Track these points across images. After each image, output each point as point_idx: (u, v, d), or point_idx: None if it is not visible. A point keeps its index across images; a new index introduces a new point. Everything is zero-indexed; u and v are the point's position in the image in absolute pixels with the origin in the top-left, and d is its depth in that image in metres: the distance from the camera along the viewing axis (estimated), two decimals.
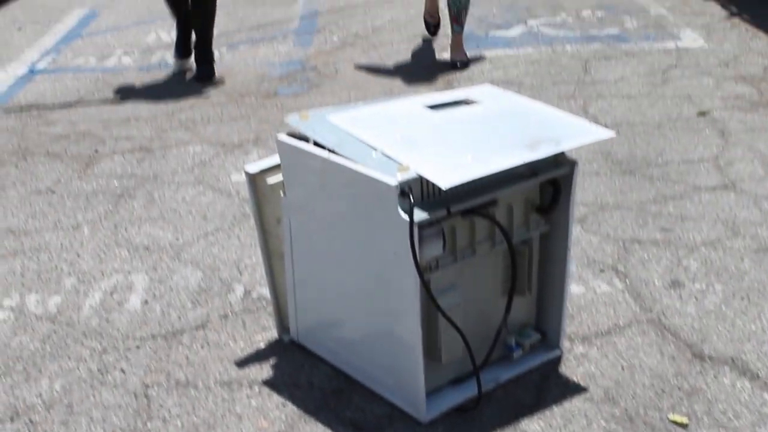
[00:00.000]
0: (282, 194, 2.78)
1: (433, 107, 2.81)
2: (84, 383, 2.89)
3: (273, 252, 2.99)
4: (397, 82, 5.79)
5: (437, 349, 2.62)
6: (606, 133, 2.68)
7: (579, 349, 2.98)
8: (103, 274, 3.58)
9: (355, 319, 2.77)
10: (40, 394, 2.85)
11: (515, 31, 6.89)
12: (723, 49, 6.28)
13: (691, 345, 2.98)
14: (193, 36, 6.08)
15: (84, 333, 3.18)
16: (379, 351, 2.69)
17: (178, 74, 6.08)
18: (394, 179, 2.38)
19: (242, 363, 2.96)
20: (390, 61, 6.25)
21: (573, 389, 2.77)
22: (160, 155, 4.76)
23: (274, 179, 2.84)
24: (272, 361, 2.97)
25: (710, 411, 2.66)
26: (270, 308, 3.16)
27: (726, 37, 6.57)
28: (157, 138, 5.00)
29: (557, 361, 2.91)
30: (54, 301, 3.40)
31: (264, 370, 2.92)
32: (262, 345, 3.06)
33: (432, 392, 2.68)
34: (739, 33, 6.64)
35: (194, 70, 6.06)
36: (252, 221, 3.19)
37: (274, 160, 2.86)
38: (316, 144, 2.65)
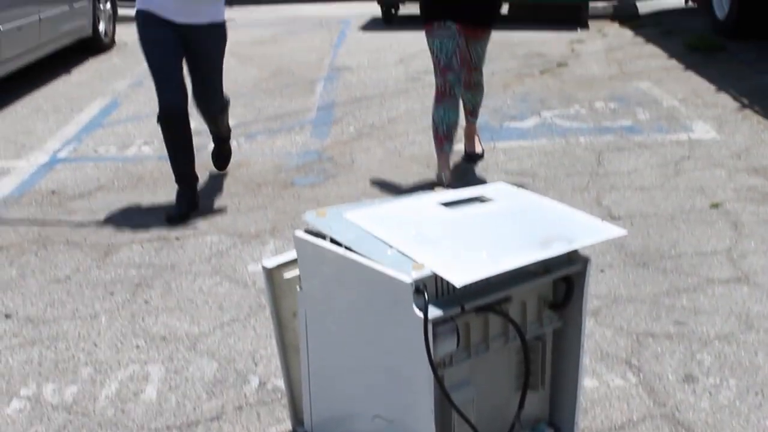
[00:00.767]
0: (298, 288, 2.82)
1: (448, 204, 2.87)
2: None
3: (288, 344, 3.02)
4: (412, 173, 5.87)
5: None
6: (618, 231, 2.73)
7: None
8: (119, 364, 3.62)
9: (369, 412, 2.79)
10: None
11: (529, 123, 6.99)
12: (735, 140, 6.35)
13: None
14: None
15: (99, 424, 3.21)
16: None
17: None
18: (408, 277, 2.42)
19: None
20: (406, 152, 6.35)
21: None
22: (177, 245, 4.82)
23: (290, 274, 2.88)
24: None
25: None
26: (284, 400, 3.18)
27: (738, 128, 6.64)
28: (175, 227, 5.07)
29: None
30: (70, 391, 3.43)
31: None
32: None
33: None
34: (751, 125, 6.72)
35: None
36: (268, 312, 3.23)
37: (291, 254, 2.90)
38: (332, 241, 2.70)
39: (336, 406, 2.91)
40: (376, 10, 12.21)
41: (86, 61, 10.37)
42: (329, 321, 2.77)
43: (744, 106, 7.25)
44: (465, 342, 2.59)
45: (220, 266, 4.53)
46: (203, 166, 6.09)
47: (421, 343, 2.41)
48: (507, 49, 9.89)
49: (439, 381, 2.51)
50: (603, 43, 10.30)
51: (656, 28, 10.96)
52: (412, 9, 11.97)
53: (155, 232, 5.00)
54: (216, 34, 5.31)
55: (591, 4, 12.01)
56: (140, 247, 4.82)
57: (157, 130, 5.29)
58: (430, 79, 8.42)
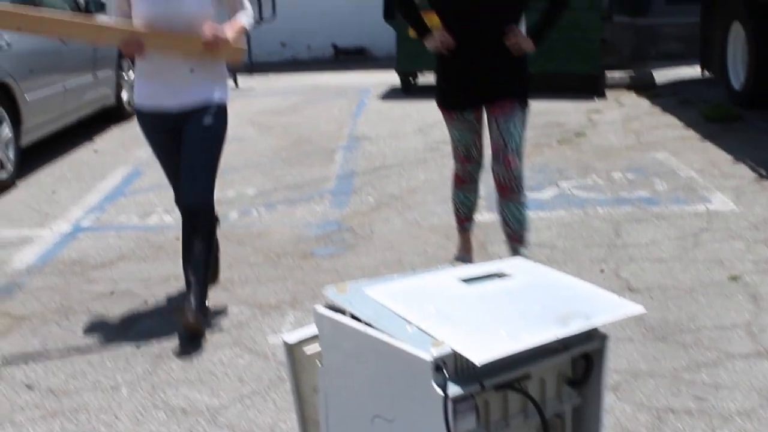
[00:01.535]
0: (319, 364, 2.85)
1: (467, 280, 2.90)
2: None
3: (308, 419, 3.04)
4: (431, 244, 5.90)
5: None
6: (636, 309, 2.75)
7: None
8: None
9: None
10: None
11: (547, 194, 7.03)
12: (753, 212, 6.37)
13: None
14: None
15: None
16: None
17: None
18: (428, 354, 2.45)
19: None
20: (425, 222, 6.39)
21: None
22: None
23: (311, 349, 2.91)
24: None
25: None
26: None
27: (756, 200, 6.66)
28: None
29: None
30: None
31: None
32: None
33: None
34: None
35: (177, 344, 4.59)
36: (288, 385, 3.24)
37: (311, 329, 2.93)
38: (352, 316, 2.73)
39: None
40: (395, 80, 12.36)
41: (109, 129, 10.52)
42: (349, 396, 2.79)
43: (762, 176, 7.28)
44: (484, 419, 2.60)
45: (240, 337, 4.56)
46: (224, 236, 6.15)
47: (441, 420, 2.43)
48: None
49: None
50: (620, 113, 10.38)
51: (673, 98, 11.04)
52: (430, 78, 12.11)
53: (176, 302, 5.04)
54: (212, 113, 4.71)
55: (608, 74, 12.13)
56: (161, 317, 4.86)
57: None
58: (449, 149, 8.51)
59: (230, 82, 12.91)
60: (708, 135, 8.85)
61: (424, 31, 4.93)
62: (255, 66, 14.49)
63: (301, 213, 6.77)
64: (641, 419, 3.63)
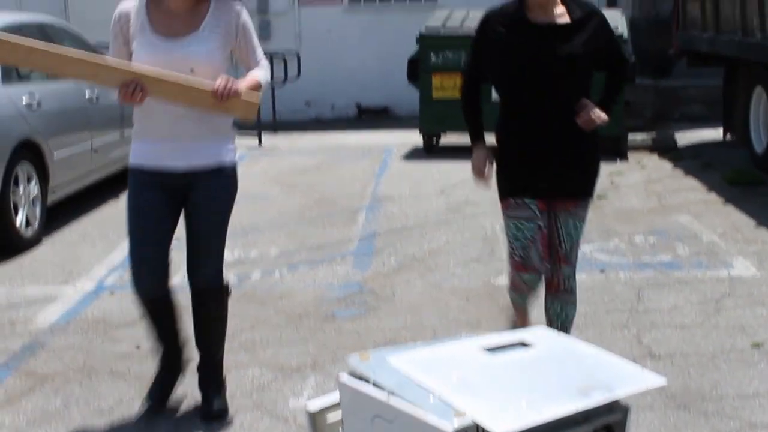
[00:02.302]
0: None
1: (489, 349, 2.92)
2: None
3: None
4: (452, 308, 5.92)
5: None
6: (658, 381, 2.76)
7: None
8: None
9: None
10: None
11: None
12: None
13: None
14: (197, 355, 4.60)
15: None
16: None
17: (232, 298, 6.23)
18: (450, 425, 2.47)
19: None
20: (446, 285, 6.41)
21: None
22: None
23: (333, 417, 2.93)
24: None
25: None
26: None
27: None
28: None
29: None
30: None
31: None
32: None
33: None
34: None
35: (199, 402, 4.54)
36: None
37: (334, 396, 2.95)
38: (375, 385, 2.75)
39: None
40: (417, 140, 12.44)
41: None
42: None
43: None
44: None
45: (261, 401, 4.57)
46: (246, 296, 6.18)
47: None
48: None
49: None
50: (642, 175, 10.40)
51: (695, 161, 11.06)
52: (452, 139, 12.20)
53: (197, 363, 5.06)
54: (223, 181, 4.33)
55: (630, 136, 12.16)
56: (182, 378, 4.87)
57: None
58: (471, 211, 8.58)
59: (251, 141, 13.06)
60: (730, 199, 8.85)
61: (474, 138, 4.52)
62: (279, 124, 14.62)
63: (323, 274, 6.80)
64: None
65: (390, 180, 10.46)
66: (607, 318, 5.63)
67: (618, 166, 11.00)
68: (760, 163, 10.16)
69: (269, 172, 11.08)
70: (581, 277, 6.44)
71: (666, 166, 11.03)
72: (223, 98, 4.05)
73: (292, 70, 14.39)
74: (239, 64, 4.42)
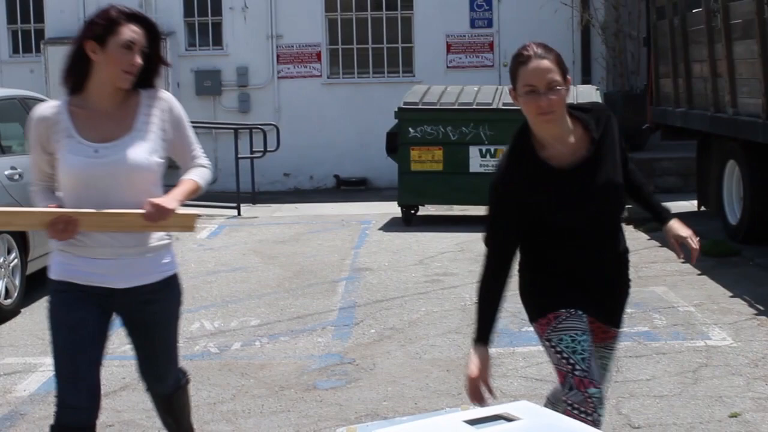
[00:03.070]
0: None
1: (472, 423, 2.94)
2: None
3: None
4: (433, 379, 5.94)
5: None
6: None
7: None
8: None
9: None
10: None
11: None
12: (752, 348, 6.42)
13: None
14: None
15: None
16: None
17: (220, 369, 6.26)
18: None
19: None
20: (426, 356, 6.44)
21: None
22: None
23: None
24: None
25: None
26: None
27: (754, 335, 6.73)
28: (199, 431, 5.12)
29: None
30: None
31: None
32: None
33: None
34: (767, 332, 6.80)
35: None
36: None
37: None
38: None
39: None
40: (396, 211, 12.53)
41: None
42: None
43: (760, 312, 7.35)
44: None
45: None
46: (227, 366, 6.19)
47: None
48: None
49: None
50: None
51: None
52: (431, 210, 12.31)
53: None
54: (171, 293, 3.98)
55: None
56: None
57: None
58: (449, 282, 8.63)
59: (230, 211, 13.11)
60: (706, 269, 8.95)
61: (480, 336, 3.68)
62: (258, 195, 14.71)
63: (303, 344, 6.82)
64: None
65: (369, 251, 10.53)
66: None
67: None
68: (735, 235, 10.30)
69: (248, 243, 11.12)
70: None
71: (641, 237, 11.14)
72: (157, 221, 3.67)
73: (272, 142, 14.52)
74: (175, 160, 3.96)
